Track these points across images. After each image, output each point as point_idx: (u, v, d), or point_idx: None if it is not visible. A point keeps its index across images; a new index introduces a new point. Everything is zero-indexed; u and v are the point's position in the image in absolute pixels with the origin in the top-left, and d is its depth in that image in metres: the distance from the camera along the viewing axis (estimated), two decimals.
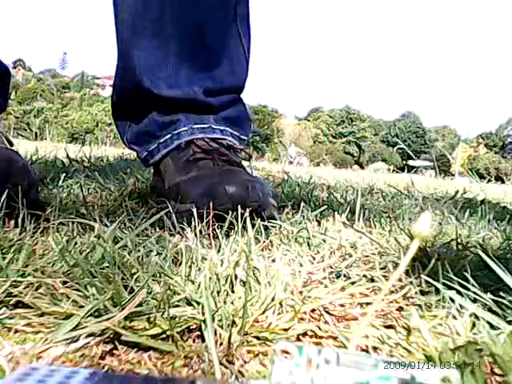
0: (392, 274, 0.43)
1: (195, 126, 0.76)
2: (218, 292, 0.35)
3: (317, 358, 0.22)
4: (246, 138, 0.84)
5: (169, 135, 0.77)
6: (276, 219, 0.62)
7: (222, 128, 0.78)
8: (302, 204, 0.71)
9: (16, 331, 0.31)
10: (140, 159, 0.85)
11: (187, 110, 0.78)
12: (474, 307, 0.34)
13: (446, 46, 69.83)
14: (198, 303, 0.33)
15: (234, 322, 0.32)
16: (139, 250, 0.44)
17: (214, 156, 0.71)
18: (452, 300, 0.36)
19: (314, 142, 35.52)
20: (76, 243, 0.44)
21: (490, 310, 0.35)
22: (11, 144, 0.72)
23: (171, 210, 0.59)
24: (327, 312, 0.37)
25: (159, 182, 0.78)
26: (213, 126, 0.77)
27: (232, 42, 0.81)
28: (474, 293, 0.37)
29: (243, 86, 0.85)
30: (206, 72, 0.79)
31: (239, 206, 0.55)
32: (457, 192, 1.17)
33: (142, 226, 0.51)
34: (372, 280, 0.44)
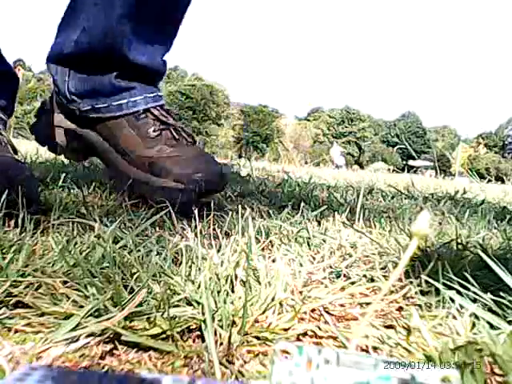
0: (392, 274, 0.43)
1: (148, 95, 0.86)
2: (218, 292, 0.35)
3: (317, 358, 0.22)
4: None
5: (124, 100, 0.85)
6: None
7: (160, 94, 0.90)
8: (302, 204, 0.72)
9: (16, 331, 0.31)
10: (71, 108, 0.88)
11: (144, 78, 0.87)
12: (474, 307, 0.34)
13: (446, 46, 69.86)
14: (198, 303, 0.33)
15: (234, 322, 0.32)
16: (139, 250, 0.44)
17: (170, 127, 0.84)
18: (452, 300, 0.36)
19: (314, 142, 35.52)
20: (76, 243, 0.44)
21: (490, 310, 0.35)
22: (16, 152, 0.76)
23: (150, 182, 0.76)
24: (327, 312, 0.37)
25: (98, 138, 0.88)
26: (159, 94, 0.89)
27: (172, 26, 0.91)
28: (474, 293, 0.37)
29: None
30: (166, 45, 0.90)
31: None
32: (457, 192, 1.17)
33: (141, 226, 0.51)
34: (372, 280, 0.44)
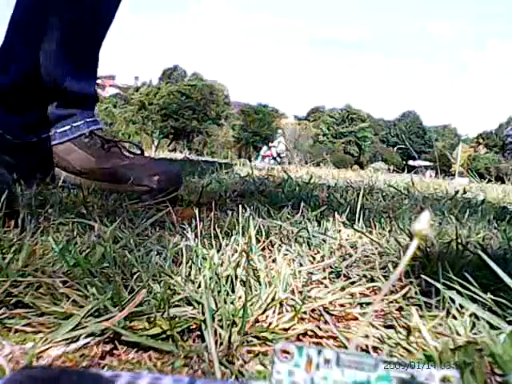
0: (392, 274, 0.43)
1: (88, 120, 0.95)
2: (219, 292, 0.35)
3: (317, 358, 0.22)
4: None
5: (68, 127, 0.93)
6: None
7: (98, 119, 1.00)
8: (302, 204, 0.71)
9: (16, 331, 0.31)
10: (16, 139, 0.92)
11: (82, 104, 0.95)
12: (474, 307, 0.34)
13: (446, 46, 69.84)
14: (198, 303, 0.33)
15: (234, 322, 0.32)
16: (139, 250, 0.44)
17: (117, 143, 0.92)
18: (452, 300, 0.36)
19: (314, 142, 35.50)
20: (76, 243, 0.44)
21: (490, 310, 0.35)
22: (142, 152, 0.94)
23: (115, 189, 0.82)
24: (327, 312, 0.37)
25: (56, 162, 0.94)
26: (97, 119, 0.99)
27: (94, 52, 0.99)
28: (474, 293, 0.37)
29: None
30: (94, 72, 0.99)
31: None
32: (457, 192, 1.17)
33: (142, 226, 0.51)
34: (372, 280, 0.44)
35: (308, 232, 0.56)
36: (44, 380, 0.21)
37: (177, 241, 0.47)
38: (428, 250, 0.50)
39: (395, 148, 33.36)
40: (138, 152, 0.95)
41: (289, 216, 0.67)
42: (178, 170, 0.91)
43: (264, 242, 0.52)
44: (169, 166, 0.91)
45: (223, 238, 0.48)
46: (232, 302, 0.34)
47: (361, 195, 0.74)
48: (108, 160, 0.90)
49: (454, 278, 0.38)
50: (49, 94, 0.91)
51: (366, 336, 0.33)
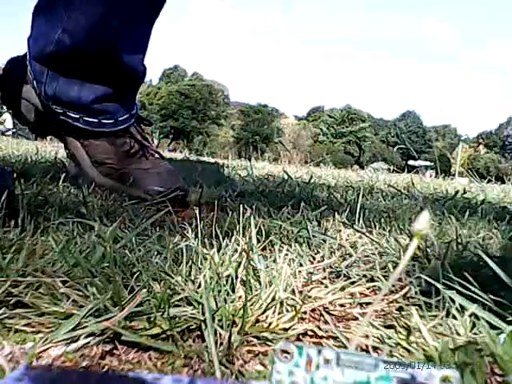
0: (392, 274, 0.43)
1: (125, 116, 0.88)
2: (219, 292, 0.35)
3: (317, 358, 0.22)
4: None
5: (112, 120, 0.87)
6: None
7: (135, 111, 0.91)
8: (302, 204, 0.71)
9: (16, 331, 0.31)
10: (54, 113, 0.87)
11: (130, 86, 0.89)
12: (474, 307, 0.34)
13: (447, 46, 69.81)
14: (199, 303, 0.33)
15: (234, 322, 0.32)
16: (139, 250, 0.44)
17: (143, 148, 0.89)
18: (452, 300, 0.36)
19: (315, 142, 35.49)
20: (76, 243, 0.44)
21: (490, 310, 0.35)
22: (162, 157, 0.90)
23: (121, 190, 0.82)
24: (327, 312, 0.37)
25: (80, 153, 0.89)
26: (133, 112, 0.90)
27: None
28: (474, 293, 0.37)
29: None
30: (146, 48, 0.89)
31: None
32: (457, 192, 1.17)
33: (142, 226, 0.51)
34: (372, 280, 0.44)
35: (308, 232, 0.56)
36: (44, 380, 0.21)
37: (177, 241, 0.47)
38: (428, 249, 0.50)
39: (395, 148, 33.35)
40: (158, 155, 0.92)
41: (289, 216, 0.67)
42: (185, 187, 0.87)
43: (264, 241, 0.52)
44: (179, 179, 0.86)
45: (223, 237, 0.48)
46: (232, 302, 0.34)
47: (361, 195, 0.74)
48: (127, 162, 0.87)
49: (454, 277, 0.38)
50: (96, 65, 0.82)
51: (366, 336, 0.33)
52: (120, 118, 0.88)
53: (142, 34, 0.86)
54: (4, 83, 0.93)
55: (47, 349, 0.29)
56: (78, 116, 0.85)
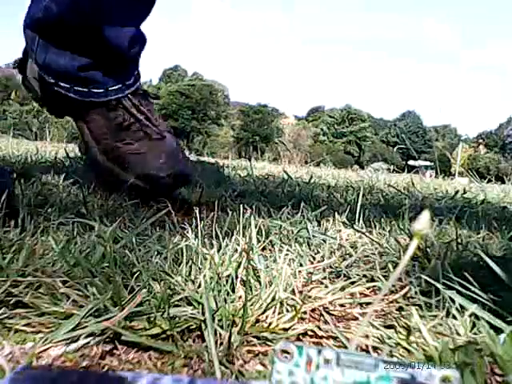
0: (392, 274, 0.43)
1: (119, 86, 0.83)
2: (219, 292, 0.35)
3: (317, 358, 0.22)
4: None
5: (102, 90, 0.83)
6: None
7: (132, 82, 0.85)
8: (302, 204, 0.71)
9: (16, 331, 0.31)
10: (41, 82, 0.85)
11: (119, 62, 0.84)
12: (474, 307, 0.34)
13: (447, 45, 69.78)
14: (199, 303, 0.33)
15: (234, 322, 0.32)
16: (140, 250, 0.44)
17: (139, 121, 0.82)
18: (452, 300, 0.36)
19: (315, 142, 35.49)
20: (76, 243, 0.44)
21: (490, 310, 0.35)
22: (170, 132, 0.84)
23: (115, 173, 0.79)
24: (327, 312, 0.37)
25: (84, 131, 0.86)
26: (130, 83, 0.84)
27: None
28: (474, 293, 0.37)
29: None
30: (139, 22, 0.86)
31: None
32: (457, 192, 1.17)
33: (142, 226, 0.51)
34: (372, 280, 0.44)
35: (308, 232, 0.56)
36: (44, 380, 0.21)
37: (177, 241, 0.47)
38: (428, 249, 0.50)
39: (395, 148, 33.33)
40: (166, 132, 0.85)
41: (289, 216, 0.67)
42: (187, 170, 0.83)
43: (264, 242, 0.52)
44: (179, 162, 0.81)
45: (223, 237, 0.48)
46: (232, 302, 0.34)
47: (361, 195, 0.74)
48: (120, 138, 0.81)
49: (454, 277, 0.38)
50: (81, 37, 0.78)
51: (366, 336, 0.33)
52: (111, 88, 0.83)
53: (132, 10, 0.83)
54: (22, 65, 0.92)
55: (47, 349, 0.29)
56: (68, 86, 0.83)
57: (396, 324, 0.35)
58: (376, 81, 69.24)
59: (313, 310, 0.37)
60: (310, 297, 0.38)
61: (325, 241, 0.54)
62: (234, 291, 0.36)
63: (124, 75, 0.85)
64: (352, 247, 0.53)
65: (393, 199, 1.06)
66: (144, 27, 0.87)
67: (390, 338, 0.32)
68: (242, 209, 0.57)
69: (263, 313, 0.34)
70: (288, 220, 0.63)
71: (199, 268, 0.40)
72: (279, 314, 0.34)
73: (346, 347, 0.31)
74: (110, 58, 0.83)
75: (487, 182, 2.03)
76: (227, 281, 0.37)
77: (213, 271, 0.38)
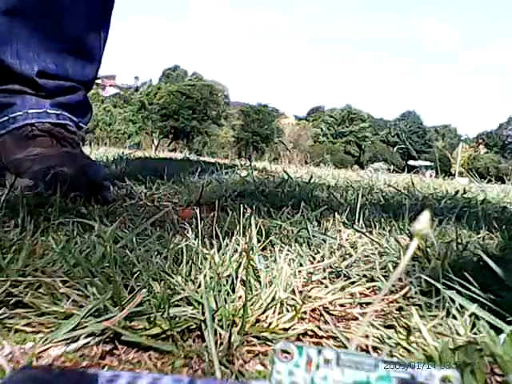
0: (392, 274, 0.43)
1: (30, 111, 0.79)
2: (219, 292, 0.35)
3: (317, 358, 0.22)
4: (84, 125, 0.90)
5: (5, 117, 0.80)
6: (109, 200, 0.70)
7: (58, 112, 0.82)
8: (302, 204, 0.71)
9: (16, 331, 0.31)
10: None
11: (23, 90, 0.80)
12: (474, 307, 0.34)
13: (447, 45, 69.78)
14: (199, 303, 0.33)
15: (234, 322, 0.32)
16: (139, 250, 0.44)
17: (52, 135, 0.78)
18: (452, 300, 0.36)
19: (315, 142, 35.47)
20: (76, 243, 0.44)
21: (490, 310, 0.35)
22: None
23: (7, 183, 0.71)
24: (327, 312, 0.37)
25: None
26: (48, 111, 0.81)
27: (93, 35, 0.84)
28: (474, 293, 0.37)
29: (91, 81, 0.89)
30: (54, 55, 0.81)
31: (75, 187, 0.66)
32: (457, 192, 1.17)
33: (142, 226, 0.51)
34: (372, 280, 0.44)
35: (308, 232, 0.56)
36: (44, 380, 0.21)
37: (177, 240, 0.47)
38: (428, 249, 0.50)
39: (395, 148, 33.34)
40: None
41: (289, 216, 0.67)
42: (91, 169, 0.75)
43: (264, 242, 0.52)
44: (78, 161, 0.74)
45: (223, 237, 0.48)
46: (232, 302, 0.34)
47: (361, 195, 0.74)
48: (21, 148, 0.77)
49: (454, 278, 0.38)
50: None
51: (366, 336, 0.33)
52: (14, 115, 0.80)
53: (40, 38, 0.79)
54: None
55: (47, 349, 0.29)
56: None
57: (396, 324, 0.35)
58: (376, 81, 69.24)
59: (313, 310, 0.37)
60: (310, 297, 0.38)
61: (325, 241, 0.54)
62: (234, 291, 0.36)
63: (37, 103, 0.81)
64: (352, 247, 0.53)
65: (393, 199, 1.05)
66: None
67: (390, 338, 0.32)
68: (241, 209, 0.57)
69: (263, 313, 0.34)
70: (288, 220, 0.63)
71: (199, 268, 0.40)
72: (279, 313, 0.34)
73: (346, 347, 0.31)
74: (19, 84, 0.80)
75: (487, 182, 2.02)
76: (227, 281, 0.37)
77: (213, 271, 0.38)
